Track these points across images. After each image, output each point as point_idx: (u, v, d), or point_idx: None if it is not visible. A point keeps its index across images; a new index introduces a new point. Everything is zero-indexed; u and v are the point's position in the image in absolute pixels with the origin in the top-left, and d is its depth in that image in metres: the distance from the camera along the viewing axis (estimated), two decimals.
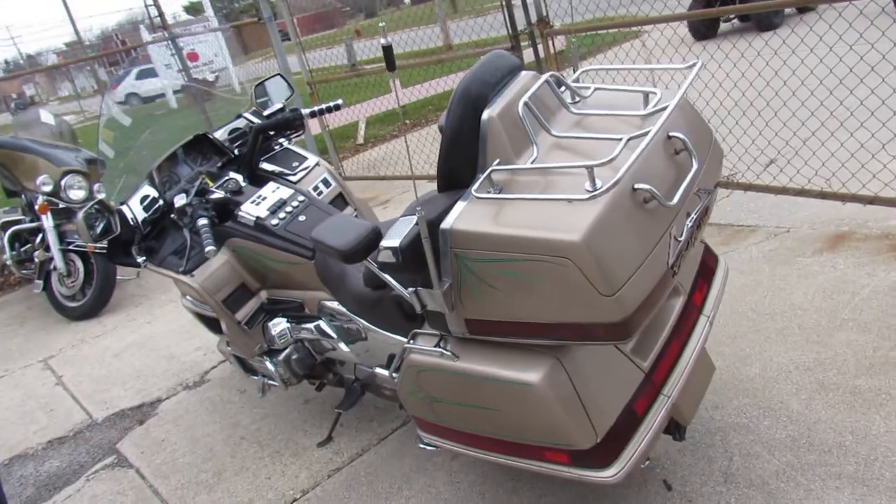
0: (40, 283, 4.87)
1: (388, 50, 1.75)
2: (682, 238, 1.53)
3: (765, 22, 8.24)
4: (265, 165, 2.74)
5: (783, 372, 2.41)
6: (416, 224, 1.53)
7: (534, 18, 4.40)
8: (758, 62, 3.84)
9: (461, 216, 1.53)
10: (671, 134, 1.56)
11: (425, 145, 6.25)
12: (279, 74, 2.92)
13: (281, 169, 2.73)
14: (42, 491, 2.93)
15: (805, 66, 3.68)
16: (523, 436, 1.72)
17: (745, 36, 5.04)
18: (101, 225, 2.56)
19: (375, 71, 6.91)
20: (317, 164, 2.78)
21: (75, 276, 4.74)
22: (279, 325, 2.58)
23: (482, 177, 1.53)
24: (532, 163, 1.52)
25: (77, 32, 33.42)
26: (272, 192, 2.54)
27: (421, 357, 1.80)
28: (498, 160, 1.55)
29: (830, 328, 2.58)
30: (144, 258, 2.56)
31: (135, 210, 2.53)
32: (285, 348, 2.59)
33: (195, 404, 3.28)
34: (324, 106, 2.79)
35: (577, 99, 1.71)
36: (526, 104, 1.53)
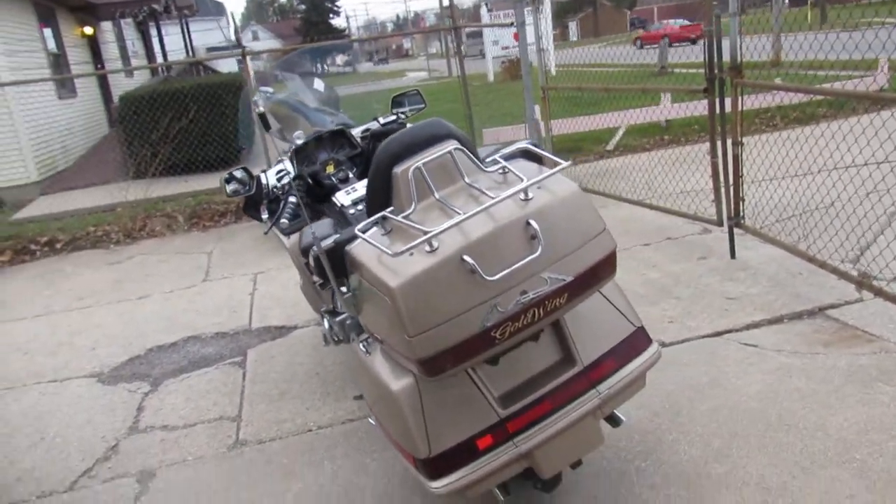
0: None
1: (262, 116, 2.17)
2: (507, 311, 1.73)
3: None
4: None
5: (742, 482, 2.32)
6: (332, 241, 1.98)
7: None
8: None
9: (357, 245, 1.93)
10: (529, 220, 1.75)
11: (664, 166, 5.89)
12: (416, 90, 3.45)
13: None
14: (190, 366, 3.97)
15: None
16: (394, 432, 2.09)
17: None
18: (247, 185, 3.38)
19: (626, 89, 6.98)
20: None
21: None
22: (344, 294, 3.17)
23: (369, 220, 1.91)
24: (404, 217, 1.85)
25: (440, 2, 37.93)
26: (363, 187, 3.10)
27: (356, 346, 2.25)
28: (391, 207, 1.91)
29: (832, 461, 2.36)
30: (266, 215, 3.32)
31: (269, 178, 3.29)
32: (344, 313, 3.18)
33: (310, 339, 4.07)
34: None
35: (487, 169, 1.95)
36: (418, 168, 1.85)
